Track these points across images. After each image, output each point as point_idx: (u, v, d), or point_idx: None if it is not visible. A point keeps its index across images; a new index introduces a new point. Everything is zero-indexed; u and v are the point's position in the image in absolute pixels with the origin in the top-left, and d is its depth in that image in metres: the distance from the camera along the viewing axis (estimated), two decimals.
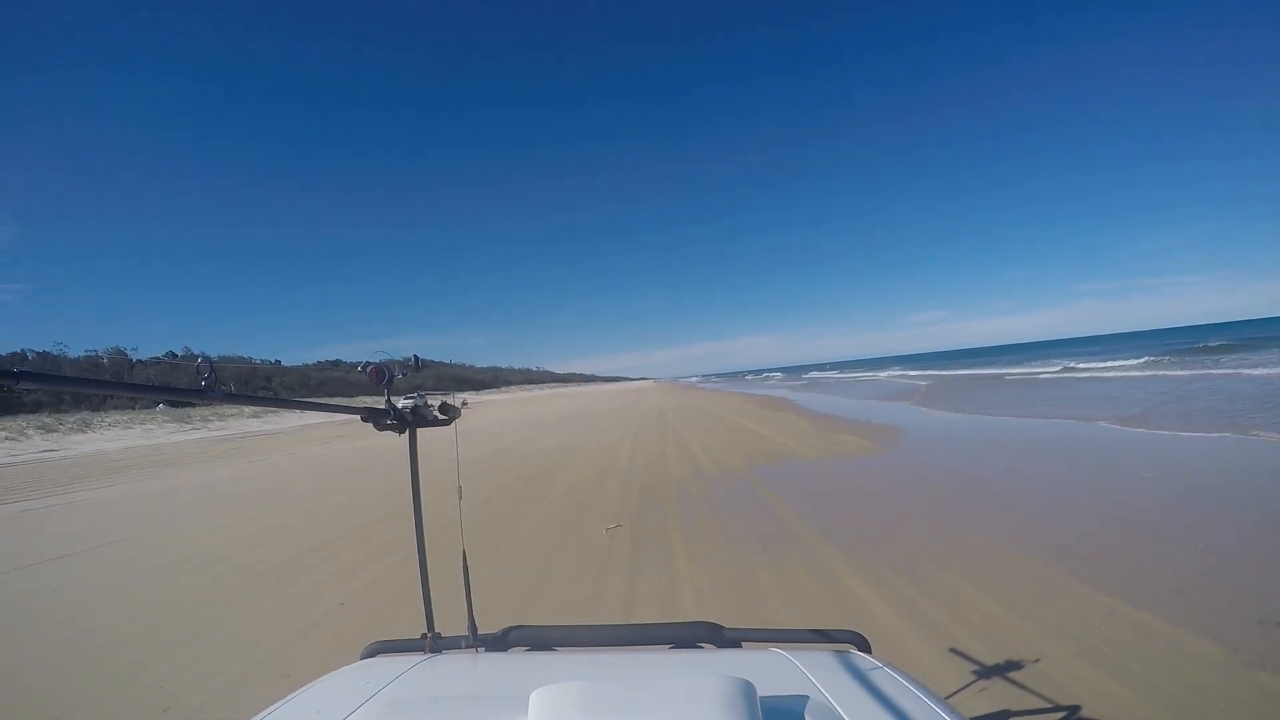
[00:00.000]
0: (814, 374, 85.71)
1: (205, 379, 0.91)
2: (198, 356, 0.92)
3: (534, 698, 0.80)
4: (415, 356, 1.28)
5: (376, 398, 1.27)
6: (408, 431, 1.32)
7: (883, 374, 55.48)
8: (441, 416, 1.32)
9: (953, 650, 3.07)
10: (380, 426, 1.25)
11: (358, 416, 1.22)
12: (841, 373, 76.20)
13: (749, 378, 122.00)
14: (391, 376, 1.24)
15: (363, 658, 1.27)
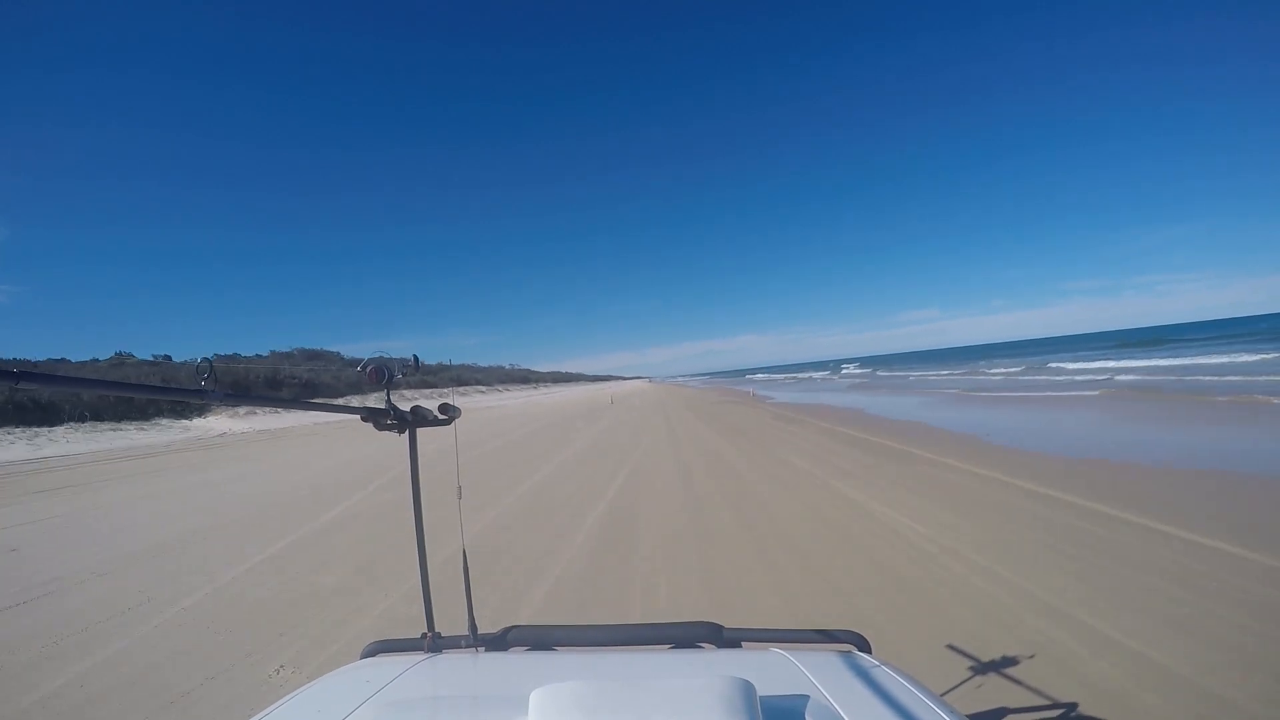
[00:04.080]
0: (874, 372, 59.92)
1: (204, 379, 0.91)
2: (197, 359, 0.91)
3: (534, 698, 0.80)
4: (415, 356, 1.27)
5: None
6: (408, 431, 1.31)
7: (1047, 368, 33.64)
8: (441, 416, 1.32)
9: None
10: (380, 426, 1.24)
11: (357, 416, 1.21)
12: (925, 371, 47.88)
13: (755, 377, 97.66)
14: (391, 376, 1.23)
15: (363, 657, 1.27)
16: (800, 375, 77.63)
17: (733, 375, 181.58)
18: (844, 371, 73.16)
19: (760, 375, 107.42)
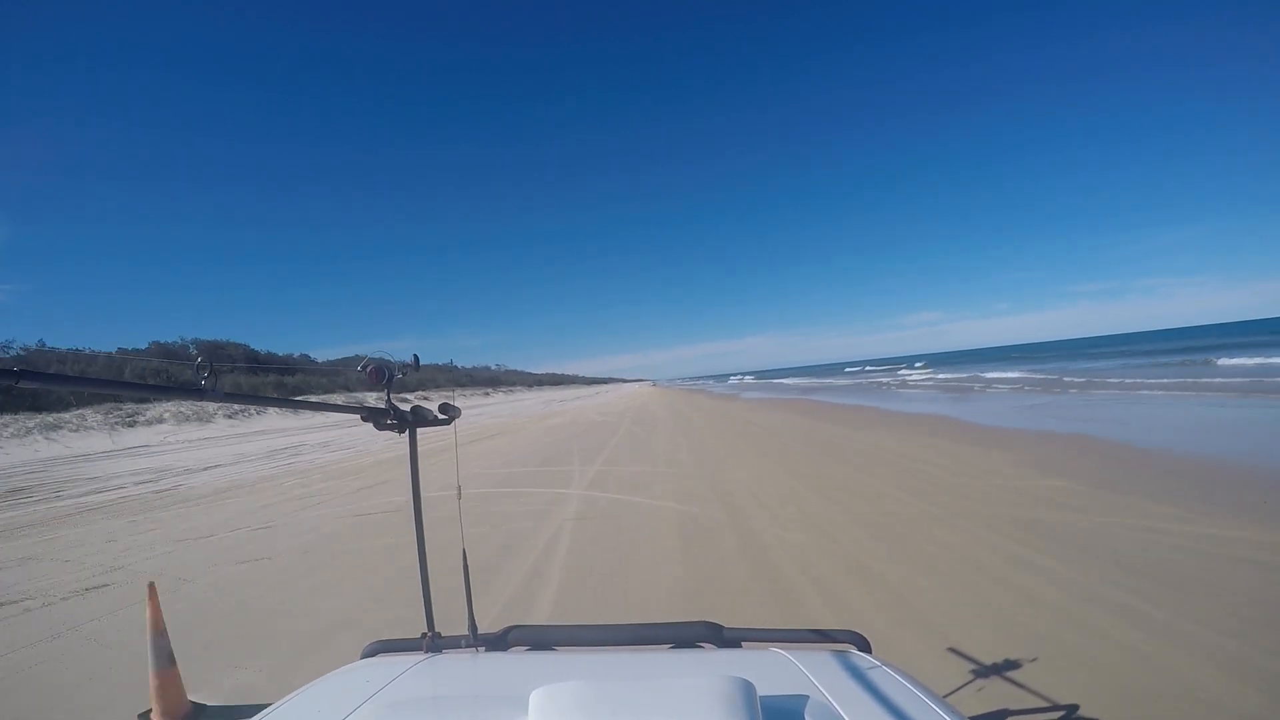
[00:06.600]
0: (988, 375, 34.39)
1: (205, 378, 0.90)
2: (196, 354, 0.91)
3: (534, 698, 0.80)
4: (415, 356, 1.27)
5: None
6: (408, 431, 1.31)
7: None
8: (441, 416, 1.32)
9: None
10: (380, 426, 1.24)
11: (358, 416, 1.22)
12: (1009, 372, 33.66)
13: (785, 381, 69.85)
14: (391, 376, 1.23)
15: (363, 657, 1.27)
16: (864, 380, 49.21)
17: (740, 377, 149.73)
18: (904, 375, 50.11)
19: (789, 380, 73.41)
